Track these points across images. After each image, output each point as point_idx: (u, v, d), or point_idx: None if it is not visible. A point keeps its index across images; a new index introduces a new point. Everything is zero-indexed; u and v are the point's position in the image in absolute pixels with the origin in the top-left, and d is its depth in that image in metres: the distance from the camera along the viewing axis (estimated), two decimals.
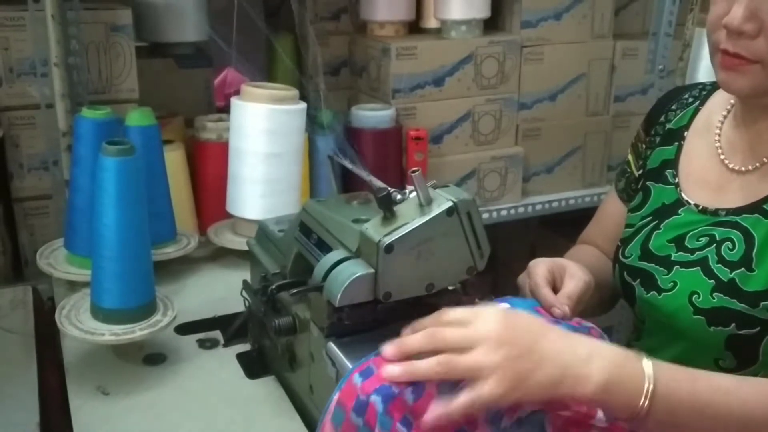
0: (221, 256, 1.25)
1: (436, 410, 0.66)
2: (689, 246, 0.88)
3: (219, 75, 1.78)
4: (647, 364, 0.69)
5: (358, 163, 0.90)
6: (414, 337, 0.69)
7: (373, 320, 0.78)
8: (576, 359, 0.67)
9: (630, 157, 1.04)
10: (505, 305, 0.76)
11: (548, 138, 1.72)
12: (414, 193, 0.77)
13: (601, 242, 1.07)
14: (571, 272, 0.85)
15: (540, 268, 0.84)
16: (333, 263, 0.77)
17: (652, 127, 1.00)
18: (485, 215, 1.66)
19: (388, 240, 0.74)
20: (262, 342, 0.97)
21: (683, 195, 0.91)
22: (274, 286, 0.86)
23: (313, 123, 1.56)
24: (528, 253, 2.07)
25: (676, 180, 0.93)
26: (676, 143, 0.95)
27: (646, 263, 0.91)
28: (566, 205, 1.74)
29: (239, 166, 1.21)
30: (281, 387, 0.92)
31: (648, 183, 0.96)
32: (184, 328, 1.03)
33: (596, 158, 1.78)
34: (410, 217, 0.75)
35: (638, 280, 0.92)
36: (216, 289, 1.15)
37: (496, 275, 2.08)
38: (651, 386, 0.67)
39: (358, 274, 0.74)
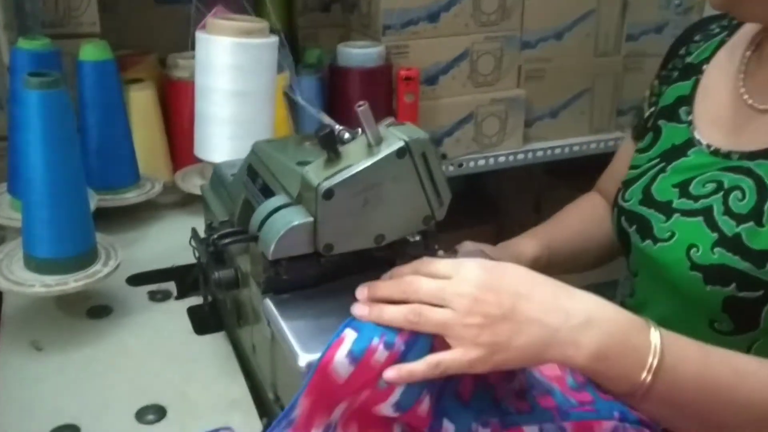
0: (190, 202, 1.18)
1: (403, 368, 0.60)
2: (694, 192, 0.79)
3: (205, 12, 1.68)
4: (654, 335, 0.61)
5: (313, 101, 0.81)
6: (387, 282, 0.66)
7: (316, 275, 0.70)
8: (568, 322, 0.60)
9: (647, 94, 0.96)
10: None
11: (553, 80, 1.59)
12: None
13: (612, 187, 0.98)
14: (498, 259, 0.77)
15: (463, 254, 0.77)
16: (270, 211, 0.68)
17: (670, 61, 0.92)
18: (482, 161, 1.56)
19: (327, 184, 0.64)
20: (216, 296, 0.90)
21: (695, 134, 0.82)
22: (215, 236, 0.77)
23: (299, 63, 1.47)
24: (532, 203, 1.97)
25: (690, 117, 0.84)
26: (694, 78, 0.86)
27: (645, 208, 0.83)
28: (570, 152, 1.63)
29: (205, 106, 1.11)
30: (231, 344, 0.85)
31: (659, 122, 0.88)
32: (137, 279, 0.96)
33: (605, 102, 1.66)
34: (356, 159, 0.66)
35: (635, 226, 0.83)
36: (179, 238, 1.06)
37: (498, 227, 1.99)
38: (656, 360, 0.59)
39: (294, 223, 0.66)
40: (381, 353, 0.61)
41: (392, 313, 0.62)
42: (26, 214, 0.81)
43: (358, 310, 0.64)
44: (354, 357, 0.60)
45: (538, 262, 0.94)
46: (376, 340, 0.61)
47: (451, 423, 0.64)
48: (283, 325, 0.66)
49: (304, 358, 0.62)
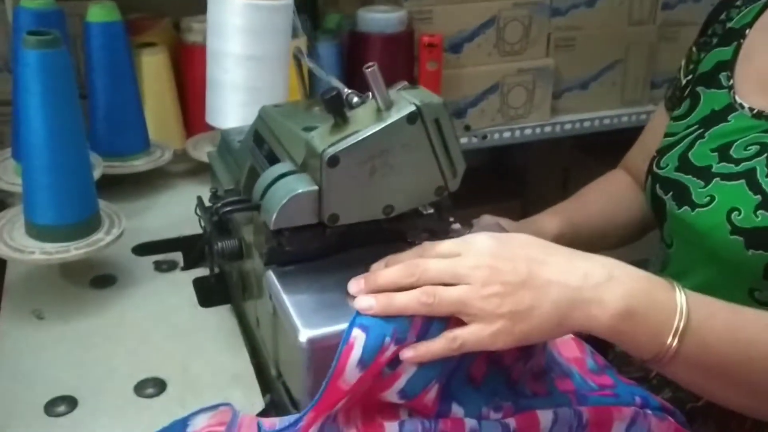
0: (201, 171, 1.14)
1: (420, 347, 0.56)
2: (734, 156, 0.76)
3: None
4: (680, 296, 0.57)
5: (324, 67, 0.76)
6: (389, 269, 0.59)
7: (321, 247, 0.66)
8: (588, 281, 0.56)
9: (683, 63, 0.92)
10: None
11: (584, 49, 1.53)
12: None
13: (641, 161, 0.95)
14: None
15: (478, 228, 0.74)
16: (273, 178, 0.65)
17: (710, 27, 0.89)
18: (507, 134, 1.50)
19: (332, 151, 0.60)
20: (223, 267, 0.87)
21: (737, 98, 0.79)
22: (219, 204, 0.74)
23: (318, 29, 1.42)
24: (560, 178, 1.91)
25: (731, 82, 0.81)
26: (735, 43, 0.83)
27: (682, 174, 0.80)
28: (601, 125, 1.57)
29: (216, 71, 1.08)
30: (236, 318, 0.82)
31: (698, 88, 0.85)
32: (143, 249, 0.93)
33: (638, 73, 1.59)
34: (364, 124, 0.62)
35: (671, 193, 0.80)
36: (189, 207, 1.02)
37: (523, 203, 1.94)
38: (682, 322, 0.56)
39: (297, 192, 0.62)
40: (392, 351, 0.56)
41: (403, 300, 0.56)
42: (26, 180, 0.78)
43: (362, 302, 0.57)
44: (365, 364, 0.56)
45: (560, 240, 0.91)
46: (387, 339, 0.56)
47: (460, 407, 0.61)
48: (285, 298, 0.62)
49: (305, 333, 0.59)
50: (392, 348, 0.56)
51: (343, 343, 0.56)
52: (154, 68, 1.19)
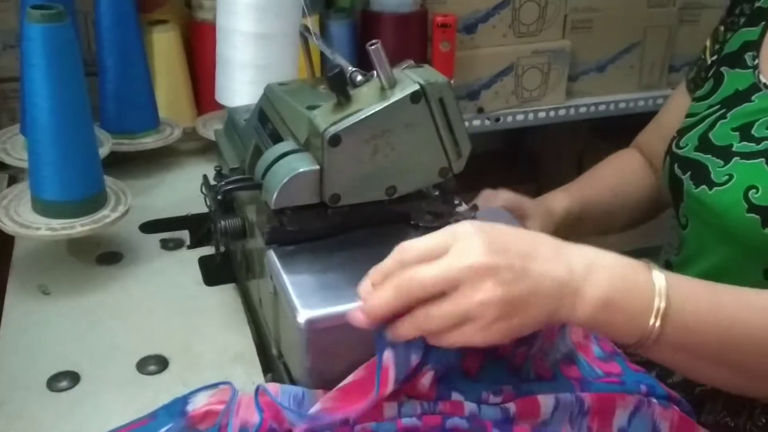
0: (211, 149, 1.14)
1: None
2: (756, 135, 0.75)
3: None
4: (658, 276, 0.56)
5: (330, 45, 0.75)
6: (381, 295, 0.55)
7: (323, 227, 0.66)
8: (572, 273, 0.56)
9: (708, 43, 0.91)
10: None
11: (601, 31, 1.50)
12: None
13: (656, 141, 0.94)
14: (528, 213, 0.76)
15: (493, 202, 0.73)
16: (275, 157, 0.64)
17: (737, 6, 0.87)
18: (521, 117, 1.48)
19: (334, 130, 0.60)
20: (228, 246, 0.87)
21: (761, 78, 0.78)
22: (222, 183, 0.74)
23: (330, 8, 1.40)
24: (575, 162, 1.89)
25: (756, 62, 0.80)
26: (763, 23, 0.82)
27: (701, 154, 0.79)
28: (617, 109, 1.54)
29: (226, 48, 1.07)
30: (241, 297, 0.82)
31: (722, 69, 0.84)
32: (150, 226, 0.93)
33: (657, 57, 1.56)
34: (367, 103, 0.61)
35: (689, 173, 0.79)
36: (197, 186, 1.02)
37: (538, 187, 1.91)
38: (663, 303, 0.55)
39: (298, 171, 0.61)
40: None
41: (405, 330, 0.55)
42: (32, 155, 0.78)
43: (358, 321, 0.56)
44: (399, 380, 0.57)
45: (569, 217, 0.91)
46: (414, 357, 0.57)
47: (460, 395, 0.60)
48: (285, 278, 0.62)
49: (304, 314, 0.58)
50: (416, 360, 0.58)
51: (378, 368, 0.56)
52: (164, 46, 1.18)
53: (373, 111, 0.60)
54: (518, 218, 0.81)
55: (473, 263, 0.53)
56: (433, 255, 0.54)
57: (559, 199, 0.91)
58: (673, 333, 0.57)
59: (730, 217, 0.74)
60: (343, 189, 0.62)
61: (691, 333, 0.57)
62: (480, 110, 1.46)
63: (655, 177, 0.96)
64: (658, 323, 0.56)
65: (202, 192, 0.84)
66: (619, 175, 0.97)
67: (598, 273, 0.56)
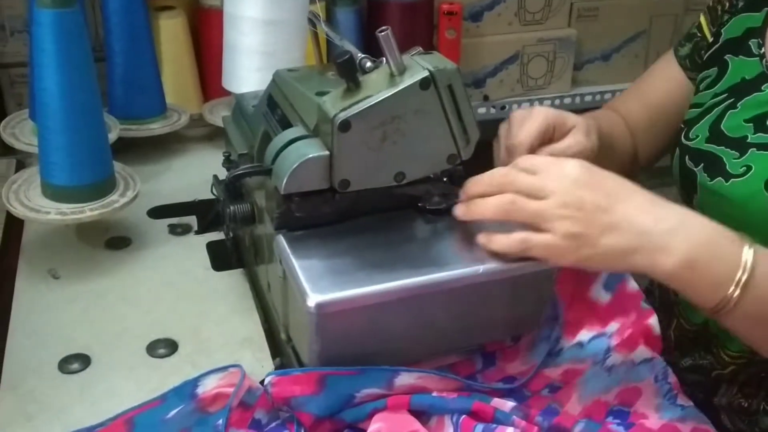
0: (217, 136, 1.14)
1: (493, 238, 0.63)
2: None
3: None
4: (748, 251, 0.59)
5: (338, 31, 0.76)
6: (482, 177, 0.65)
7: (332, 213, 0.66)
8: (658, 226, 0.59)
9: (702, 20, 0.89)
10: None
11: (607, 20, 1.49)
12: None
13: (637, 108, 0.92)
14: (574, 125, 0.73)
15: (532, 121, 0.71)
16: (284, 143, 0.64)
17: None
18: (526, 104, 1.48)
19: (344, 115, 0.60)
20: (236, 231, 0.87)
21: None
22: (233, 168, 0.74)
23: None
24: None
25: (762, 50, 0.79)
26: (766, 9, 0.81)
27: (714, 146, 0.78)
28: None
29: (233, 35, 1.07)
30: (249, 282, 0.82)
31: (726, 56, 0.83)
32: (157, 212, 0.94)
33: (662, 45, 1.55)
34: (377, 89, 0.61)
35: (702, 165, 0.79)
36: (204, 172, 1.03)
37: None
38: (746, 276, 0.58)
39: (308, 157, 0.62)
40: None
41: (485, 205, 0.62)
42: (42, 140, 0.79)
43: (456, 211, 0.65)
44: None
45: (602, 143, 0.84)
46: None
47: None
48: (294, 263, 0.62)
49: (314, 298, 0.59)
50: None
51: None
52: (171, 32, 1.18)
53: (383, 97, 0.60)
54: (561, 135, 0.74)
55: (566, 188, 0.60)
56: (538, 170, 0.62)
57: (595, 123, 0.82)
58: (750, 305, 0.59)
59: (750, 208, 0.73)
60: (353, 175, 0.62)
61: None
62: (485, 98, 1.46)
63: (632, 140, 0.93)
64: (737, 293, 0.58)
65: (212, 193, 0.84)
66: (610, 123, 0.91)
67: (688, 232, 0.59)
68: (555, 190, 0.60)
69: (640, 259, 0.59)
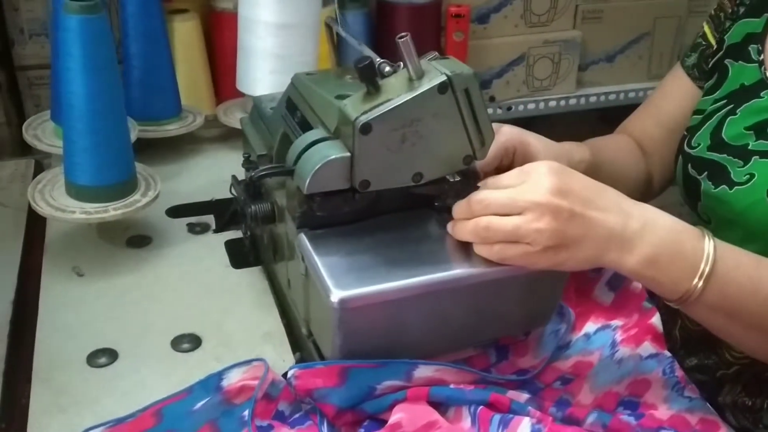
0: (232, 137, 1.17)
1: (475, 247, 0.65)
2: None
3: None
4: (709, 244, 0.62)
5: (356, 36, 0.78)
6: (462, 203, 0.66)
7: (352, 212, 0.69)
8: (627, 226, 0.63)
9: (706, 28, 0.90)
10: None
11: (611, 22, 1.52)
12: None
13: (653, 127, 0.93)
14: (534, 151, 0.76)
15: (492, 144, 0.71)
16: (306, 144, 0.67)
17: None
18: (532, 106, 1.51)
19: (365, 118, 0.62)
20: (254, 230, 0.90)
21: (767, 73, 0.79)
22: (252, 172, 0.76)
23: None
24: None
25: (761, 57, 0.80)
26: (766, 15, 0.81)
27: (716, 154, 0.80)
28: (626, 98, 1.56)
29: (247, 38, 1.10)
30: (267, 279, 0.85)
31: (726, 61, 0.84)
32: (176, 211, 0.96)
33: (666, 47, 1.58)
34: (396, 93, 0.64)
35: (705, 173, 0.80)
36: (220, 172, 1.06)
37: None
38: (708, 267, 0.61)
39: (330, 158, 0.64)
40: None
41: (464, 230, 0.65)
42: (67, 142, 0.81)
43: (447, 228, 0.67)
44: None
45: (586, 169, 0.85)
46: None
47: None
48: (317, 260, 0.65)
49: (336, 294, 0.61)
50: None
51: None
52: (185, 34, 1.21)
53: (403, 101, 0.62)
54: (522, 156, 0.78)
55: (539, 200, 0.61)
56: (509, 186, 0.64)
57: (581, 150, 0.86)
58: (714, 296, 0.63)
59: (753, 216, 0.75)
60: (373, 175, 0.65)
61: (732, 298, 0.63)
62: (492, 99, 1.48)
63: (645, 162, 0.94)
64: (700, 284, 0.62)
65: (231, 193, 0.86)
66: (620, 150, 0.93)
67: (652, 232, 0.63)
68: (529, 204, 0.62)
69: (608, 258, 0.63)
